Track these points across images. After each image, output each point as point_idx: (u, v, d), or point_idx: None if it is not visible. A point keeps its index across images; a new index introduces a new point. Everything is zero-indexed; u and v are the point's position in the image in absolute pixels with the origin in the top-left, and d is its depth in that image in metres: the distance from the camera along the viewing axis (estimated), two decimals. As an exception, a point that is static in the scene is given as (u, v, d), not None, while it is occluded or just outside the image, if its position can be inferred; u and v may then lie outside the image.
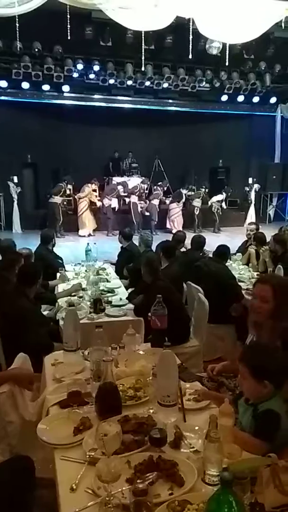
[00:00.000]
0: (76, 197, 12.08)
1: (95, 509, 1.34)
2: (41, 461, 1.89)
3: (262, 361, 1.75)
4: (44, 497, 1.80)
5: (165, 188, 13.06)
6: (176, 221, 12.28)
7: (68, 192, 12.03)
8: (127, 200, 12.57)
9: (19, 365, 2.34)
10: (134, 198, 12.27)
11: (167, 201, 12.76)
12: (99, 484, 1.38)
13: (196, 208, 12.49)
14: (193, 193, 12.90)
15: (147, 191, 13.16)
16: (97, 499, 1.37)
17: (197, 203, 12.51)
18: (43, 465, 1.86)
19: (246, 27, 3.27)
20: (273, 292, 2.10)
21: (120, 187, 12.37)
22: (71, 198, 12.35)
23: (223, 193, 12.88)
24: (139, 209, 12.32)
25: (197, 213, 12.45)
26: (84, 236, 11.69)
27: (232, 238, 9.47)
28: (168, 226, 12.34)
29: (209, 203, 12.65)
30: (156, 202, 12.34)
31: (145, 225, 11.97)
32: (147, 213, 12.38)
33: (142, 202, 12.56)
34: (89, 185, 12.10)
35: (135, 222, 11.83)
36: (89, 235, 11.84)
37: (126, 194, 12.50)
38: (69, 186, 11.96)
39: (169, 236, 6.91)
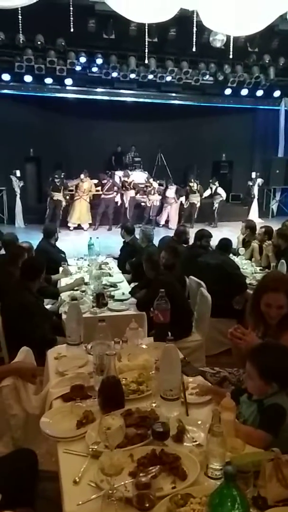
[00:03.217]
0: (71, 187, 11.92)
1: (98, 502, 1.34)
2: (44, 454, 1.90)
3: (271, 363, 1.74)
4: (47, 490, 1.82)
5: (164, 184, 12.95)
6: (174, 216, 12.25)
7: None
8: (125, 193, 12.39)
9: (22, 358, 2.35)
10: (132, 193, 12.15)
11: (170, 194, 12.49)
12: (102, 477, 1.39)
13: (194, 203, 12.40)
14: (199, 186, 12.69)
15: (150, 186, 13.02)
16: (100, 492, 1.38)
17: (195, 198, 12.40)
18: (46, 458, 1.87)
19: (251, 19, 3.22)
20: (287, 298, 2.19)
21: (125, 178, 12.27)
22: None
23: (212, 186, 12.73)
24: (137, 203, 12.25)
25: (196, 207, 12.41)
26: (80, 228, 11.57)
27: (234, 233, 9.43)
28: (164, 221, 12.29)
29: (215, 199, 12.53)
30: (155, 197, 12.19)
31: (142, 220, 11.90)
32: (143, 204, 12.32)
33: (143, 197, 12.46)
34: (84, 178, 11.85)
35: (129, 217, 11.73)
36: (78, 227, 11.71)
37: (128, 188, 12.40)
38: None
39: (168, 231, 6.88)
